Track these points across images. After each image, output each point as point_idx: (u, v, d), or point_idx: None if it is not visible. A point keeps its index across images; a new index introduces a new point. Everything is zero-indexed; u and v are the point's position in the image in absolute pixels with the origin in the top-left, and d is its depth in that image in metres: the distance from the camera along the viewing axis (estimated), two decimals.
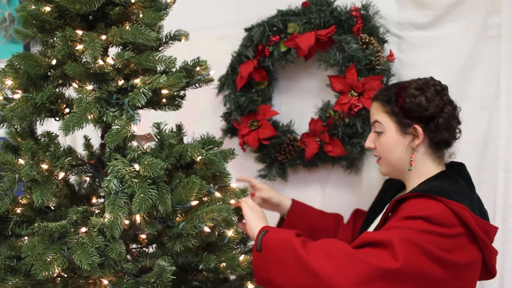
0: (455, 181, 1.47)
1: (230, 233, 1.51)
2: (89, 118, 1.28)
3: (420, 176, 1.52)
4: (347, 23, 2.00)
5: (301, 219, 1.84)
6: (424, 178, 1.51)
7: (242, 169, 2.25)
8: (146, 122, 1.40)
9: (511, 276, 1.90)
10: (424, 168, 1.52)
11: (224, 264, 1.47)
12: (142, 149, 1.36)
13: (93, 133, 1.59)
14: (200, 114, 2.32)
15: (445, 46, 1.95)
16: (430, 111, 1.48)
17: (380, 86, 1.92)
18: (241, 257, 1.50)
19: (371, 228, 1.63)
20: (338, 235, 1.82)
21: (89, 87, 1.31)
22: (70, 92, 1.41)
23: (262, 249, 1.41)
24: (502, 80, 1.88)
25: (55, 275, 1.25)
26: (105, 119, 1.29)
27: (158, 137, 1.39)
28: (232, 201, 1.49)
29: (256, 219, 1.50)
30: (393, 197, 1.66)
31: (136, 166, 1.26)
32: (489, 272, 1.46)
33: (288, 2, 2.09)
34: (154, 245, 1.50)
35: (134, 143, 1.35)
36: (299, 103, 2.21)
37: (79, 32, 1.31)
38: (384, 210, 1.55)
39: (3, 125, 1.40)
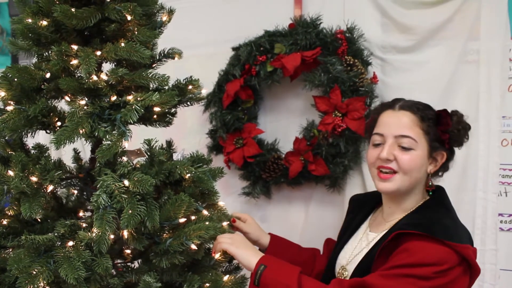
0: (448, 211, 1.49)
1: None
2: (81, 133, 1.28)
3: (415, 200, 1.53)
4: (332, 45, 2.04)
5: (279, 256, 1.75)
6: (416, 203, 1.52)
7: (227, 186, 2.25)
8: (134, 137, 1.39)
9: None
10: (421, 193, 1.54)
11: (208, 285, 1.45)
12: (132, 164, 1.37)
13: (81, 146, 1.59)
14: (187, 131, 2.33)
15: (427, 69, 2.01)
16: (462, 144, 1.52)
17: (363, 107, 1.96)
18: (225, 278, 1.48)
19: (349, 246, 1.62)
20: (315, 267, 1.80)
21: (82, 101, 1.31)
22: (62, 105, 1.41)
23: (261, 285, 1.42)
24: (481, 104, 1.95)
25: None
26: (96, 134, 1.29)
27: (149, 153, 1.40)
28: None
29: (247, 253, 1.49)
30: (368, 214, 1.66)
31: (126, 182, 1.27)
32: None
33: (275, 23, 2.12)
34: (139, 260, 1.49)
35: (124, 159, 1.35)
36: (284, 122, 2.24)
37: (75, 47, 1.32)
38: (379, 238, 1.52)
39: None
